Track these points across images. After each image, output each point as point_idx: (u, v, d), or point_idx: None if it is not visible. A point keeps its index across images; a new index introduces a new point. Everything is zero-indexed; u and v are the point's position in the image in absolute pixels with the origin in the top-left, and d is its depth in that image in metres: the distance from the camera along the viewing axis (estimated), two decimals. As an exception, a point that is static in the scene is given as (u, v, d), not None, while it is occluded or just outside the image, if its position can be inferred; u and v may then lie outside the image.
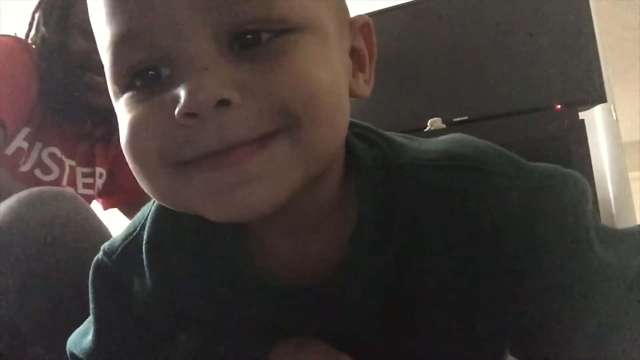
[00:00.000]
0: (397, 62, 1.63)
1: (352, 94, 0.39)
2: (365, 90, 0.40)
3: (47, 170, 1.01)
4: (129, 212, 1.09)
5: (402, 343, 0.45)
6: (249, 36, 0.32)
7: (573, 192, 0.39)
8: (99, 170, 1.15)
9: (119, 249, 0.48)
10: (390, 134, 0.45)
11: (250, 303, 0.45)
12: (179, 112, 0.31)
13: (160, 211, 0.46)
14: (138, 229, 0.47)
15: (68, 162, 1.06)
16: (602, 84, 1.13)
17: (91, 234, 0.67)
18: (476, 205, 0.39)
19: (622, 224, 1.38)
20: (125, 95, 0.34)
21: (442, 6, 1.55)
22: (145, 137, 0.33)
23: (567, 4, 1.15)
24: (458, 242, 0.39)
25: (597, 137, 1.46)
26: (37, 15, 1.01)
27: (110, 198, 1.21)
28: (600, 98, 1.14)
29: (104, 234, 0.69)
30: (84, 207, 0.68)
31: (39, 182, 0.98)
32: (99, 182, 1.15)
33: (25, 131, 0.98)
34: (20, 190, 0.66)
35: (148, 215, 0.47)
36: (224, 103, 0.31)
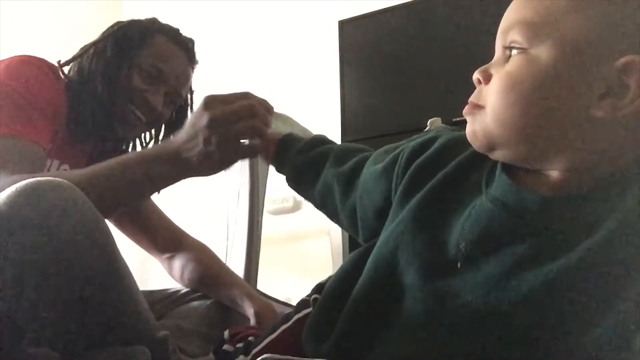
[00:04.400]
0: (397, 62, 1.64)
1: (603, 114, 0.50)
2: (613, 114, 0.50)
3: None
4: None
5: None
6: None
7: None
8: None
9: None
10: None
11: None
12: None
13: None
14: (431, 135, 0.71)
15: None
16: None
17: (88, 225, 0.67)
18: None
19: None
20: None
21: (442, 6, 1.56)
22: None
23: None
24: None
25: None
26: (87, 49, 1.10)
27: None
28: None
29: (101, 226, 0.69)
30: (82, 198, 0.68)
31: None
32: None
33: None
34: None
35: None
36: (480, 81, 0.59)
